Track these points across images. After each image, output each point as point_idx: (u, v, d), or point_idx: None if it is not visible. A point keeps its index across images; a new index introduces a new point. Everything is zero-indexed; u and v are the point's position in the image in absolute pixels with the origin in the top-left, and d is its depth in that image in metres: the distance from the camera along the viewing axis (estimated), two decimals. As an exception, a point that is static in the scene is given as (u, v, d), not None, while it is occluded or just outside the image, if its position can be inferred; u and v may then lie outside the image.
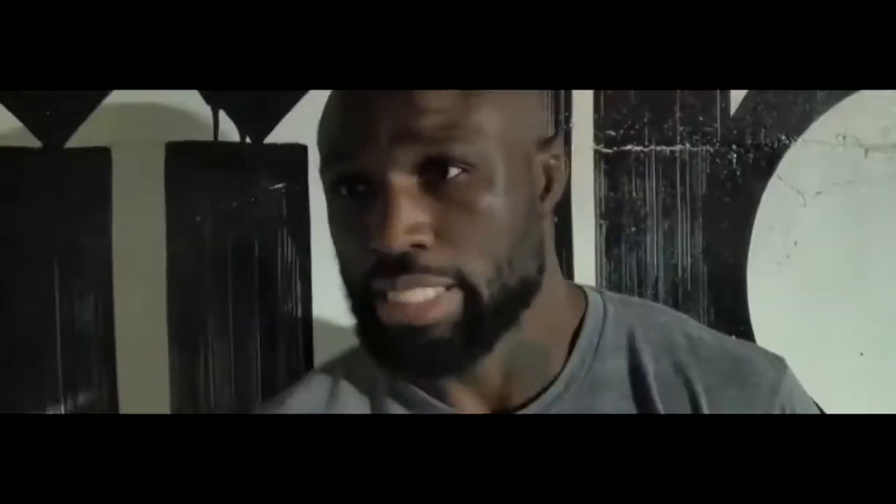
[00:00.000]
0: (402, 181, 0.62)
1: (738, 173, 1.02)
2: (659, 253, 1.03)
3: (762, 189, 1.02)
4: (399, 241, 0.61)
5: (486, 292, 0.63)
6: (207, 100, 0.99)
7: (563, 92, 1.03)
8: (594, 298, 0.74)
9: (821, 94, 1.02)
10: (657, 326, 0.73)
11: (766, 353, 0.74)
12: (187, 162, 0.99)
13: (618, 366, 0.71)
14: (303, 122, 1.00)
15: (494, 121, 0.64)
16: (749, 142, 1.02)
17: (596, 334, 0.72)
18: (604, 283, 1.05)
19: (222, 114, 0.99)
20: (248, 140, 1.00)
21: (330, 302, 1.01)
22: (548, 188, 0.69)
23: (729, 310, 1.03)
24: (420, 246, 0.62)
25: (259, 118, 1.00)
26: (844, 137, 1.02)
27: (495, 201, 0.63)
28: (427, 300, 0.63)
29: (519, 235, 0.65)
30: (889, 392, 1.03)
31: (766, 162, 1.02)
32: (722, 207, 1.03)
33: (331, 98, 0.67)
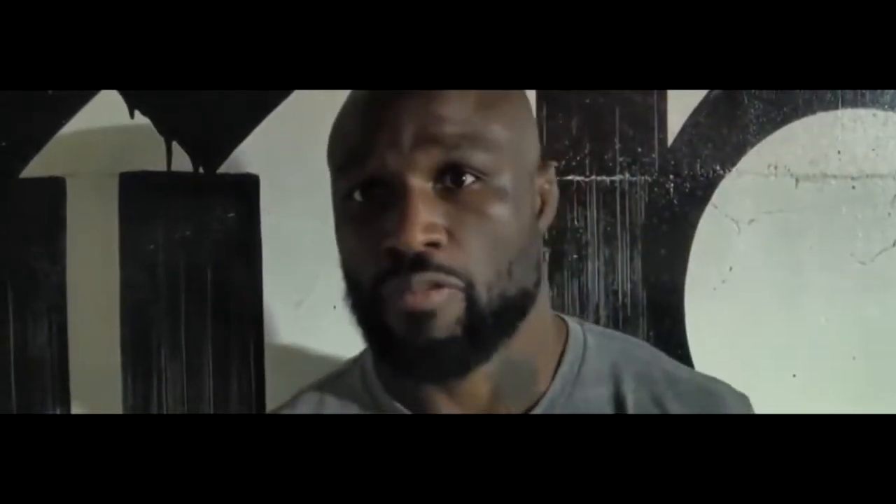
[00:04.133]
0: (420, 185, 0.66)
1: (675, 202, 1.06)
2: (600, 279, 1.06)
3: (698, 217, 1.06)
4: (417, 238, 0.64)
5: (485, 296, 0.66)
6: (161, 131, 1.02)
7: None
8: (574, 328, 0.78)
9: (753, 127, 1.06)
10: (637, 360, 0.78)
11: (733, 390, 0.78)
12: (141, 191, 1.02)
13: (598, 394, 0.75)
14: (255, 152, 1.03)
15: (508, 136, 0.68)
16: (686, 172, 1.06)
17: (577, 362, 0.76)
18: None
19: (175, 145, 1.02)
20: (201, 170, 1.02)
21: (281, 328, 1.04)
22: (541, 210, 0.74)
23: (667, 333, 1.06)
24: (434, 245, 0.65)
25: (212, 149, 1.03)
26: (776, 168, 1.06)
27: (504, 211, 0.67)
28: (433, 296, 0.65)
29: (522, 247, 0.69)
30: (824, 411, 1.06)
31: (702, 191, 1.06)
32: (660, 235, 1.06)
33: (348, 106, 0.71)
